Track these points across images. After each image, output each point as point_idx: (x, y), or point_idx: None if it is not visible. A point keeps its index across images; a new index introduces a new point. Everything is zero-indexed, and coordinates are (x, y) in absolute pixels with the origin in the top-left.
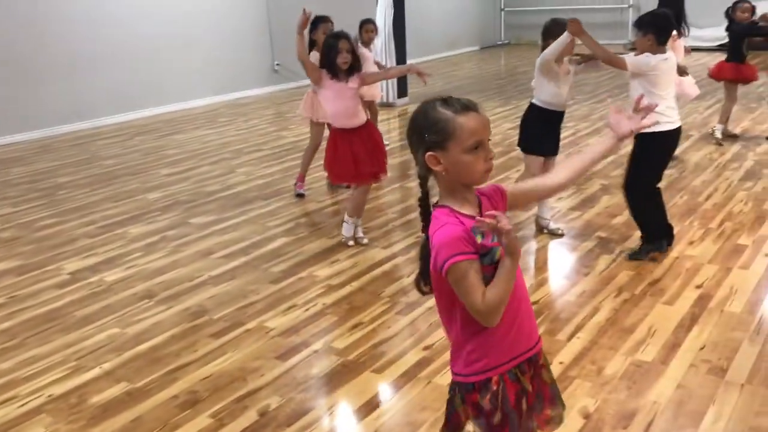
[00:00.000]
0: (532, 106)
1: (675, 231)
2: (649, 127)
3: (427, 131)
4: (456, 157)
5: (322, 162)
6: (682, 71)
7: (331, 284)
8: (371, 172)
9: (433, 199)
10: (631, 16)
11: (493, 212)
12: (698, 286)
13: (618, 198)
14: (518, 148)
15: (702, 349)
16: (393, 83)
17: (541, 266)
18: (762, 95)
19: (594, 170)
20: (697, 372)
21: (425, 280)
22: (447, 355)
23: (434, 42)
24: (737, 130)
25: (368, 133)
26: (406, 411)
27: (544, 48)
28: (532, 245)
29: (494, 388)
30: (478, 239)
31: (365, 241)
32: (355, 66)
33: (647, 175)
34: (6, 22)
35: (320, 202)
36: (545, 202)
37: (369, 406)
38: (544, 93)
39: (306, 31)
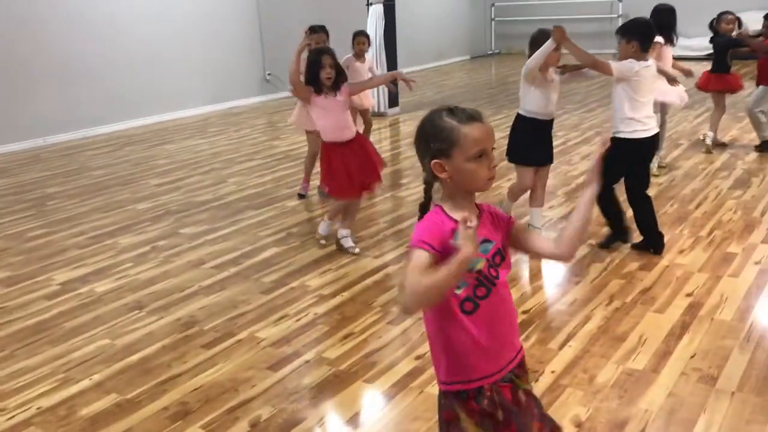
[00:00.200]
0: (518, 116)
1: (666, 239)
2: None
3: (432, 139)
4: (460, 165)
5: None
6: (671, 79)
7: (323, 294)
8: (365, 183)
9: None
10: None
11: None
12: (688, 295)
13: None
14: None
15: (693, 357)
16: (384, 93)
17: (533, 275)
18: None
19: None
20: (688, 380)
21: None
22: None
23: (425, 52)
24: (726, 139)
25: (359, 145)
26: (398, 421)
27: (530, 57)
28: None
29: (488, 393)
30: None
31: (356, 250)
32: (339, 79)
33: (612, 179)
34: None
35: (312, 212)
36: (537, 210)
37: (360, 416)
38: (530, 102)
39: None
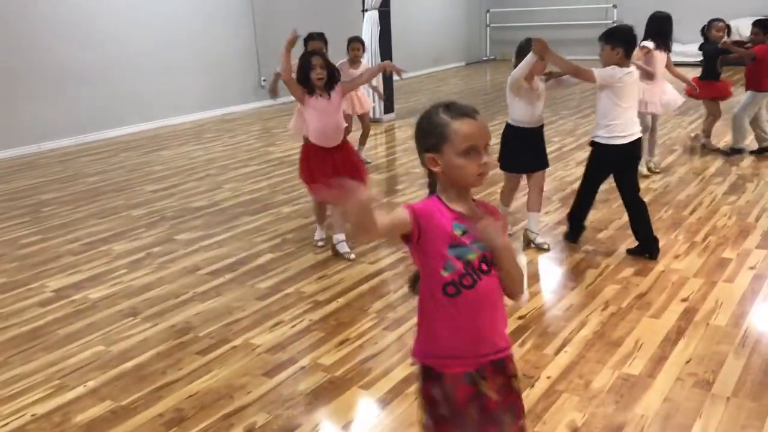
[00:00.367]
0: (507, 125)
1: (660, 244)
2: None
3: (427, 134)
4: (450, 160)
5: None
6: (649, 74)
7: (318, 300)
8: None
9: None
10: None
11: (490, 219)
12: (684, 300)
13: (603, 212)
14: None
15: (688, 362)
16: (379, 100)
17: (529, 280)
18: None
19: None
20: (683, 385)
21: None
22: None
23: (420, 58)
24: (720, 145)
25: (343, 155)
26: (394, 427)
27: (516, 66)
28: (520, 260)
29: (446, 383)
30: (458, 233)
31: (352, 256)
32: (331, 79)
33: (588, 180)
34: None
35: (307, 218)
36: (534, 215)
37: (356, 423)
38: (516, 112)
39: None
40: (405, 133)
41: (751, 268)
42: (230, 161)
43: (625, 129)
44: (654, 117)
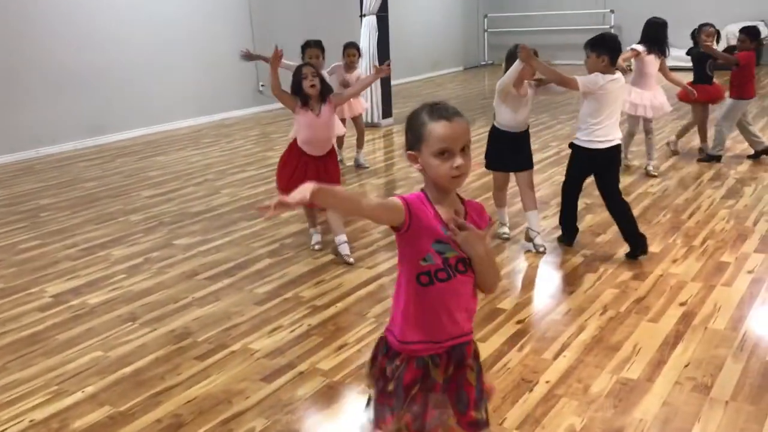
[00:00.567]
0: (493, 126)
1: (659, 249)
2: None
3: (409, 132)
4: (426, 159)
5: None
6: (623, 70)
7: (316, 305)
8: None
9: None
10: None
11: (471, 228)
12: (682, 304)
13: (601, 217)
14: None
15: (687, 366)
16: (378, 105)
17: (527, 285)
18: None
19: None
20: (682, 389)
21: None
22: None
23: (418, 63)
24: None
25: (324, 165)
26: None
27: (506, 71)
28: (518, 264)
29: (398, 363)
30: (445, 233)
31: (351, 260)
32: (324, 91)
33: (568, 181)
34: None
35: (305, 222)
36: (531, 213)
37: (355, 428)
38: (501, 116)
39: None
40: (403, 137)
41: (749, 271)
42: (228, 166)
43: (605, 134)
44: (647, 120)
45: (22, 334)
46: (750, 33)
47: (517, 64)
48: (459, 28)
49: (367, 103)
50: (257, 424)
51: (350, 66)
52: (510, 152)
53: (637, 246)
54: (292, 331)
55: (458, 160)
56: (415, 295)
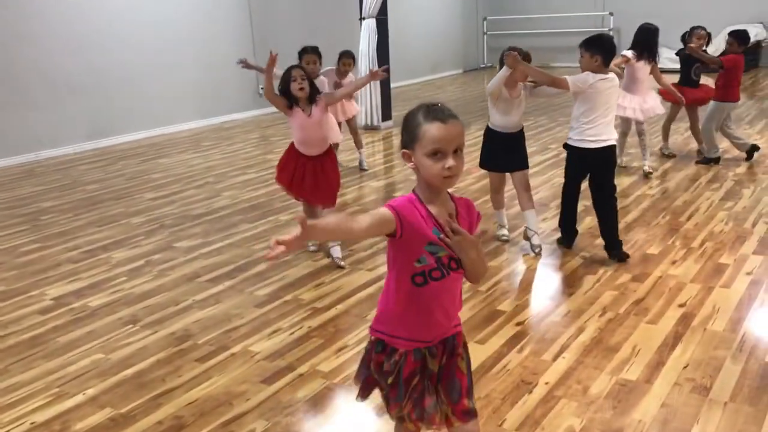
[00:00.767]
0: (487, 127)
1: (658, 250)
2: None
3: (404, 131)
4: (419, 159)
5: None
6: (617, 74)
7: (316, 307)
8: (311, 199)
9: None
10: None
11: (464, 233)
12: (681, 305)
13: None
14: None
15: (686, 367)
16: (377, 108)
17: (526, 287)
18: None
19: None
20: (681, 390)
21: None
22: None
23: (418, 65)
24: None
25: (322, 165)
26: None
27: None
28: (518, 266)
29: (397, 358)
30: (436, 236)
31: (342, 263)
32: (313, 92)
33: (566, 183)
34: None
35: None
36: (528, 212)
37: (355, 430)
38: (494, 118)
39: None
40: None
41: (748, 273)
42: (229, 169)
43: (597, 134)
44: (638, 122)
45: (23, 337)
46: (738, 36)
47: (503, 71)
48: (458, 31)
49: (359, 106)
50: (257, 426)
51: (344, 74)
52: (504, 152)
53: (611, 249)
54: (292, 334)
55: (450, 162)
56: (408, 296)
